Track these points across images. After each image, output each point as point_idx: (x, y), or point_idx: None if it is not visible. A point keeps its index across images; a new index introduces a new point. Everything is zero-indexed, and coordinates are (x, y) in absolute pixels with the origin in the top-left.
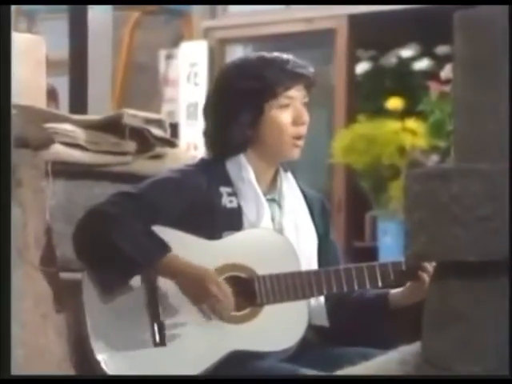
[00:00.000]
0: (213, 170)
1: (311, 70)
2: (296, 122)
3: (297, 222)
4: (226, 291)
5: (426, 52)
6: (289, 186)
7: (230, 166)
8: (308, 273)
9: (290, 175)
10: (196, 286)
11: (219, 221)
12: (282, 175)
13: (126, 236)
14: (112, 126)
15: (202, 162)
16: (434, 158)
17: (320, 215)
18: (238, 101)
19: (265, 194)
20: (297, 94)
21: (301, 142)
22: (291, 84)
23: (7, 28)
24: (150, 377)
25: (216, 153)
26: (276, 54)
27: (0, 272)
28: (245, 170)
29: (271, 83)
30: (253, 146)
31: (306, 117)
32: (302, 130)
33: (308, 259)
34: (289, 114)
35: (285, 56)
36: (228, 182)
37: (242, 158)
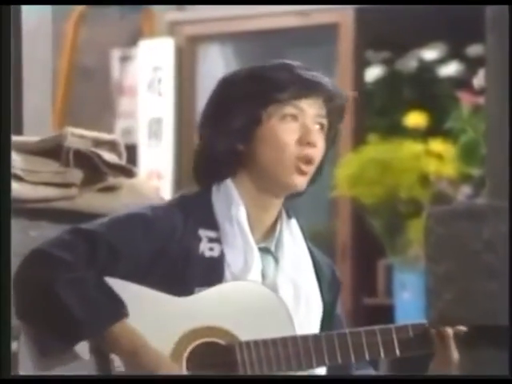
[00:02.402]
0: (193, 207)
1: (330, 81)
2: (302, 140)
3: (297, 283)
4: None
5: (455, 54)
6: (291, 235)
7: (217, 200)
8: (305, 338)
9: (294, 222)
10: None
11: (192, 273)
12: (283, 220)
13: (74, 288)
14: (53, 150)
15: (182, 198)
16: (466, 191)
17: (329, 284)
18: (229, 107)
19: (257, 242)
20: (308, 108)
21: (308, 168)
22: (301, 92)
23: (7, 28)
24: (150, 377)
25: (198, 177)
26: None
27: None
28: (235, 207)
29: (273, 86)
30: (244, 168)
31: (316, 137)
32: (311, 152)
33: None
34: (295, 129)
35: (298, 62)
36: (211, 224)
37: (232, 188)
